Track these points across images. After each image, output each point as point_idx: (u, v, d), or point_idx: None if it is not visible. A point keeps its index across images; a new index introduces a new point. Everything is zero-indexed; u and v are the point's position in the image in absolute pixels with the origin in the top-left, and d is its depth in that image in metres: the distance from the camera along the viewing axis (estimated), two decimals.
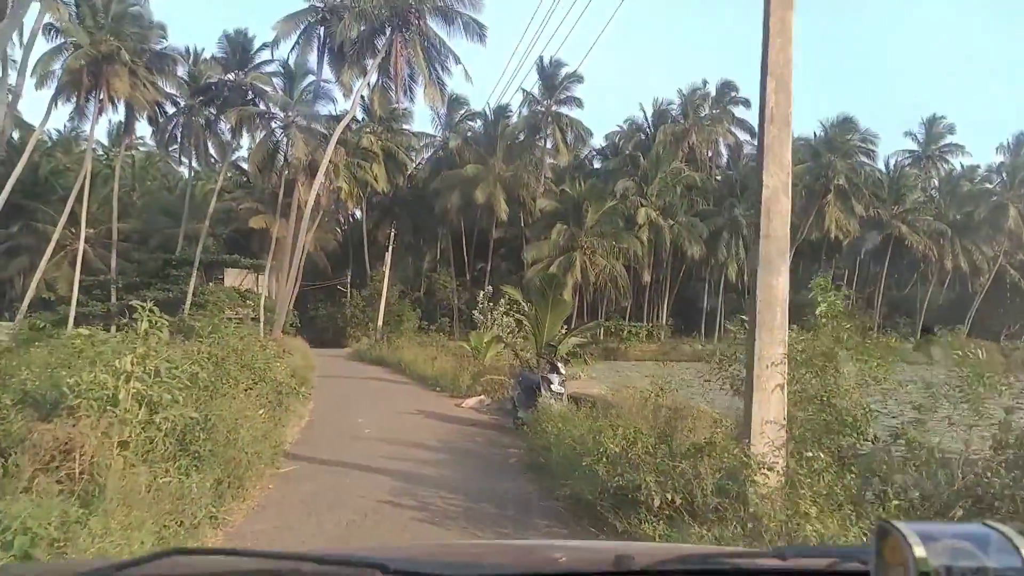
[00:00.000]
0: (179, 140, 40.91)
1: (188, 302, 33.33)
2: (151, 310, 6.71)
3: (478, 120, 50.16)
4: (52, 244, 34.26)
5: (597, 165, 56.18)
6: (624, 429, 6.90)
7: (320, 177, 30.47)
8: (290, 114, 37.51)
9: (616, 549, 1.33)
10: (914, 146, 56.31)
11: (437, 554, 1.48)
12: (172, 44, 38.44)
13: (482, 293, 23.91)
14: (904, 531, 0.92)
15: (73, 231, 39.44)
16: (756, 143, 7.11)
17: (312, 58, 34.98)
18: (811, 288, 7.25)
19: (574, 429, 8.29)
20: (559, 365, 11.48)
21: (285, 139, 36.51)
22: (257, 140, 36.92)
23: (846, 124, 46.64)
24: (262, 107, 37.03)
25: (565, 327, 16.42)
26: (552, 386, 10.83)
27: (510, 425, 12.01)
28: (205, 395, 8.13)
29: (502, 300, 21.92)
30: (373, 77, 33.27)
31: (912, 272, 55.02)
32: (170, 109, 39.07)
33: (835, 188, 45.26)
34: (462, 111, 50.35)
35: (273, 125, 36.69)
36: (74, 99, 32.77)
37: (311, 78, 36.88)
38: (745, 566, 1.37)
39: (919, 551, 0.90)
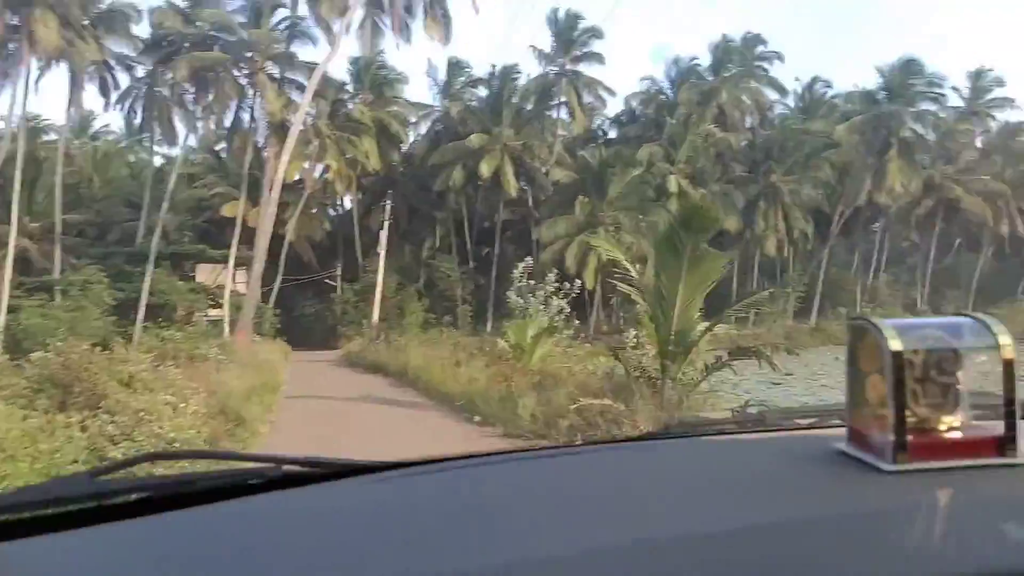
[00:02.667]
0: (140, 116, 34.96)
1: (142, 303, 27.51)
2: None
3: (481, 87, 44.31)
4: None
5: (613, 135, 50.57)
6: None
7: (293, 135, 24.53)
8: (256, 58, 31.15)
9: None
10: (957, 101, 50.82)
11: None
12: None
13: (521, 265, 18.35)
14: (880, 325, 0.93)
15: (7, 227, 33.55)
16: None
17: None
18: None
19: None
20: None
21: (252, 91, 30.33)
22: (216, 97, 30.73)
23: (910, 67, 40.90)
24: (219, 53, 30.41)
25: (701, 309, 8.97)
26: None
27: None
28: None
29: (548, 276, 16.54)
30: (359, 13, 27.40)
31: (966, 239, 49.78)
32: (125, 78, 33.19)
33: (899, 141, 39.61)
34: (463, 77, 44.46)
35: (236, 74, 30.47)
36: None
37: (283, 13, 30.70)
38: (730, 431, 1.44)
39: (895, 344, 0.90)
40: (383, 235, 31.57)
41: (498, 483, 1.11)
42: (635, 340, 10.20)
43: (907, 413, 0.91)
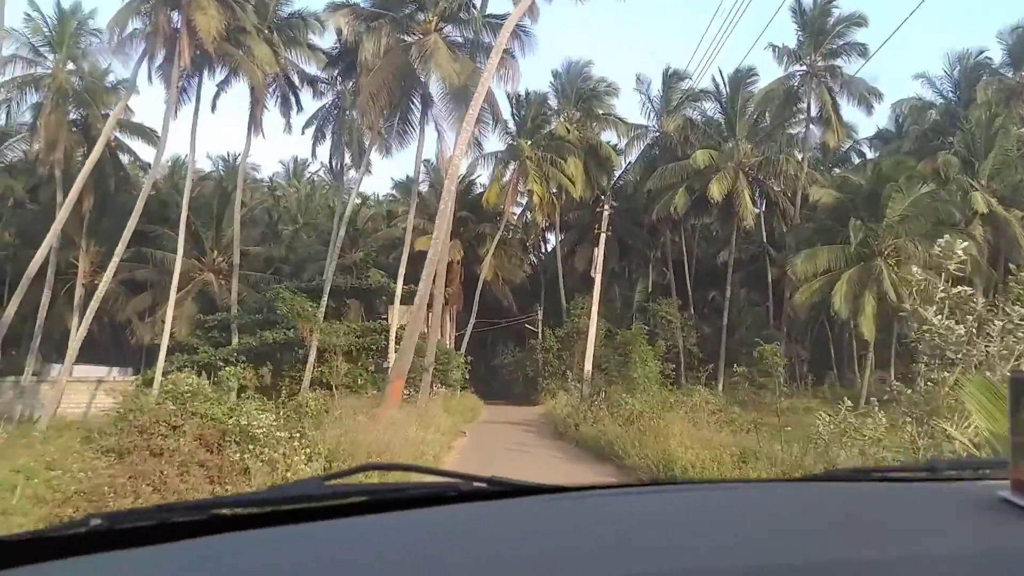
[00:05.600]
0: (329, 141, 31.96)
1: (313, 349, 23.15)
2: None
3: (706, 101, 37.22)
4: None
5: (870, 155, 40.99)
6: None
7: (469, 128, 18.84)
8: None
9: None
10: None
11: None
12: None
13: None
14: None
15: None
16: None
17: None
18: None
19: None
20: None
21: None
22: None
23: None
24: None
25: None
26: None
27: None
28: None
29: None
30: None
31: None
32: (307, 96, 30.24)
33: None
34: (683, 89, 37.66)
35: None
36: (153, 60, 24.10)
37: None
38: (896, 478, 1.47)
39: None
40: (597, 266, 24.68)
41: (667, 509, 1.17)
42: None
43: None
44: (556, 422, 19.51)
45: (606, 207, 25.09)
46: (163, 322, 29.38)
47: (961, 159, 31.27)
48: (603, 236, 23.72)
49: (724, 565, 0.84)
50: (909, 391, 7.62)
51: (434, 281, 23.81)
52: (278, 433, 7.26)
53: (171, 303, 24.84)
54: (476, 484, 1.23)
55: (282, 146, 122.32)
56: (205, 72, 25.77)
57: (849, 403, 8.73)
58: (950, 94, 37.47)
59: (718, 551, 0.90)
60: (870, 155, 40.99)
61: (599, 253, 23.79)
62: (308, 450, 7.65)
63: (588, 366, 24.35)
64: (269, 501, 1.13)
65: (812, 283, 29.42)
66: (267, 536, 1.02)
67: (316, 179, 53.33)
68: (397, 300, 24.96)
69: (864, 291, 27.95)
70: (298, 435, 7.65)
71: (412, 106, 25.22)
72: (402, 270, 25.57)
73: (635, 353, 21.13)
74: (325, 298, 24.51)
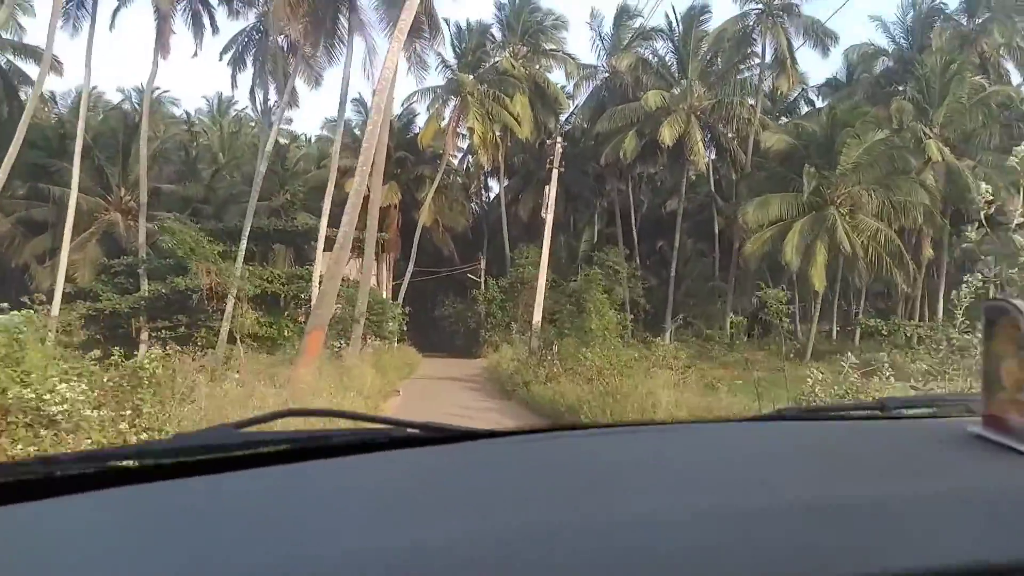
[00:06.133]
0: (252, 70, 28.97)
1: (231, 299, 20.72)
2: None
3: (659, 41, 35.33)
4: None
5: (820, 104, 40.00)
6: None
7: (403, 35, 16.40)
8: None
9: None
10: None
11: None
12: None
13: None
14: (1020, 306, 0.86)
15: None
16: None
17: None
18: None
19: None
20: None
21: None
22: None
23: None
24: None
25: None
26: None
27: None
28: None
29: None
30: None
31: None
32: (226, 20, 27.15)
33: None
34: (635, 28, 35.68)
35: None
36: None
37: None
38: (846, 417, 1.40)
39: None
40: (548, 206, 22.43)
41: (619, 450, 1.09)
42: None
43: None
44: (502, 379, 17.81)
45: (558, 140, 22.87)
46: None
47: (915, 106, 30.45)
48: (555, 172, 21.64)
49: (686, 504, 0.78)
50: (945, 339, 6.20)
51: (366, 224, 21.69)
52: (88, 412, 5.22)
53: (66, 242, 22.10)
54: (409, 430, 1.15)
55: (208, 82, 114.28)
56: None
57: (854, 359, 7.36)
58: (903, 40, 36.60)
59: (676, 491, 0.84)
60: (819, 104, 40.12)
61: (551, 191, 21.68)
62: (145, 436, 5.66)
63: (537, 316, 22.04)
64: (173, 451, 1.01)
65: (763, 232, 28.41)
66: (171, 488, 0.89)
67: (243, 116, 49.75)
68: (320, 243, 22.63)
69: (816, 241, 27.07)
70: (128, 413, 5.72)
71: (339, 17, 22.53)
72: (326, 209, 23.21)
73: (590, 302, 19.14)
74: (244, 241, 22.07)
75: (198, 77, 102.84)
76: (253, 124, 45.80)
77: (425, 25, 21.55)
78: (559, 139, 23.43)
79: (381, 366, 17.69)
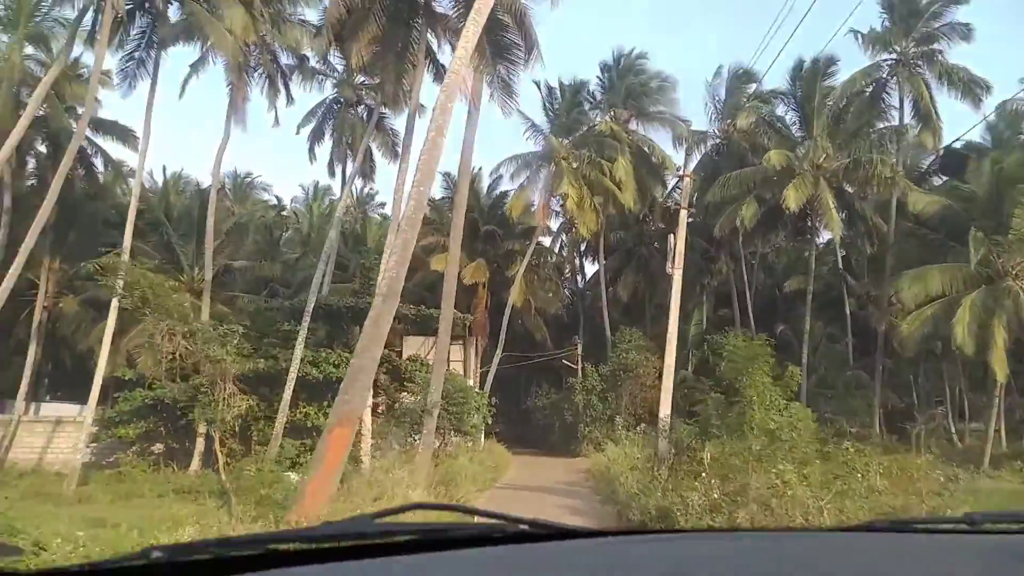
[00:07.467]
0: (330, 140, 27.28)
1: (290, 383, 17.85)
2: None
3: (779, 102, 31.70)
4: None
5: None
6: None
7: (475, 23, 12.92)
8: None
9: None
10: None
11: None
12: None
13: None
14: None
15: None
16: None
17: None
18: None
19: None
20: None
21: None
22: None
23: None
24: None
25: None
26: None
27: None
28: None
29: None
30: None
31: None
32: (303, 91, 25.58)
33: None
34: (751, 89, 32.21)
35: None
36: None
37: None
38: (934, 530, 1.47)
39: None
40: (675, 242, 17.51)
41: (715, 556, 1.15)
42: None
43: None
44: (618, 496, 13.10)
45: (687, 176, 18.66)
46: (126, 351, 24.74)
47: None
48: (683, 213, 17.34)
49: None
50: None
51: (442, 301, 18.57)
52: None
53: (109, 326, 20.09)
54: (520, 526, 1.26)
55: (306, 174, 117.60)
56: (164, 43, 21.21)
57: None
58: None
59: None
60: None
61: (679, 237, 17.02)
62: None
63: (665, 408, 16.58)
64: (323, 537, 1.14)
65: (922, 311, 23.52)
66: (321, 572, 1.04)
67: (335, 200, 49.16)
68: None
69: (994, 319, 21.96)
70: None
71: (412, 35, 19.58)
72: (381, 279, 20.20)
73: (752, 387, 13.42)
74: (306, 319, 19.29)
75: (294, 170, 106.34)
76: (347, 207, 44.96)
77: (514, 29, 17.98)
78: (688, 175, 19.48)
79: (455, 473, 14.01)
